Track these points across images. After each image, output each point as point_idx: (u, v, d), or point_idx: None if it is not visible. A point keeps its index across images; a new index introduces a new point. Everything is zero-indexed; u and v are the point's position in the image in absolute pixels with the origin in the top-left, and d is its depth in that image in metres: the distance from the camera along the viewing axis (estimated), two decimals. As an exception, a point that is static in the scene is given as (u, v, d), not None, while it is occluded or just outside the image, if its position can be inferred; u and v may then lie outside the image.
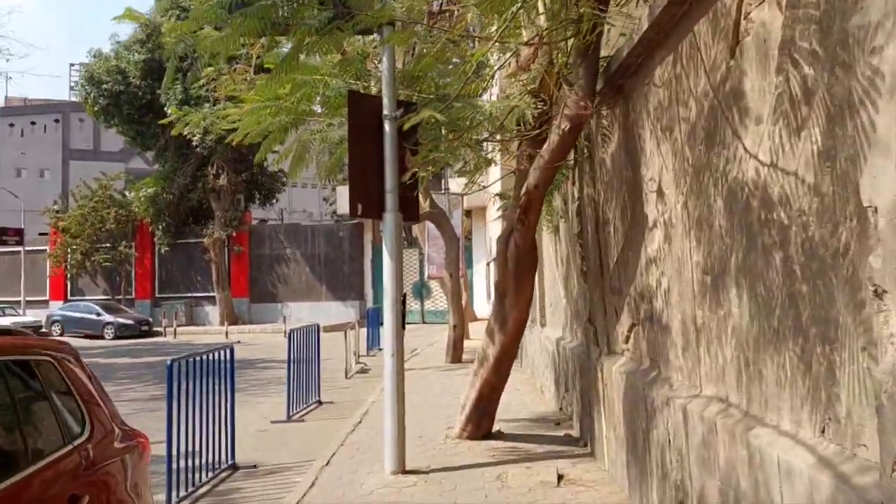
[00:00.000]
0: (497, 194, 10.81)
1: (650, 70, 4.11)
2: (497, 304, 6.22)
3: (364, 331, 18.70)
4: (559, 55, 4.79)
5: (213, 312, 29.59)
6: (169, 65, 6.27)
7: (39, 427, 2.97)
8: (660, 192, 4.06)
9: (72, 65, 27.88)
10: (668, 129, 3.86)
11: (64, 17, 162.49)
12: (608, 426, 5.36)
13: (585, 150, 5.63)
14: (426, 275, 17.11)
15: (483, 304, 26.34)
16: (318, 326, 11.23)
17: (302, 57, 5.70)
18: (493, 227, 19.83)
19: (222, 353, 7.45)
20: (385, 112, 5.81)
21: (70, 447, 3.05)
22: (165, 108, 27.78)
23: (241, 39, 5.55)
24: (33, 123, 61.87)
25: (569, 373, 7.29)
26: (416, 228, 24.33)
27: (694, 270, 3.59)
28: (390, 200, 5.86)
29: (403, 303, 5.94)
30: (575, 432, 6.85)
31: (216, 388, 7.30)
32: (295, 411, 9.96)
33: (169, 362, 6.37)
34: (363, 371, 14.96)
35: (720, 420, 3.14)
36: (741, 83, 2.97)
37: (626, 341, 4.97)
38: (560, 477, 5.39)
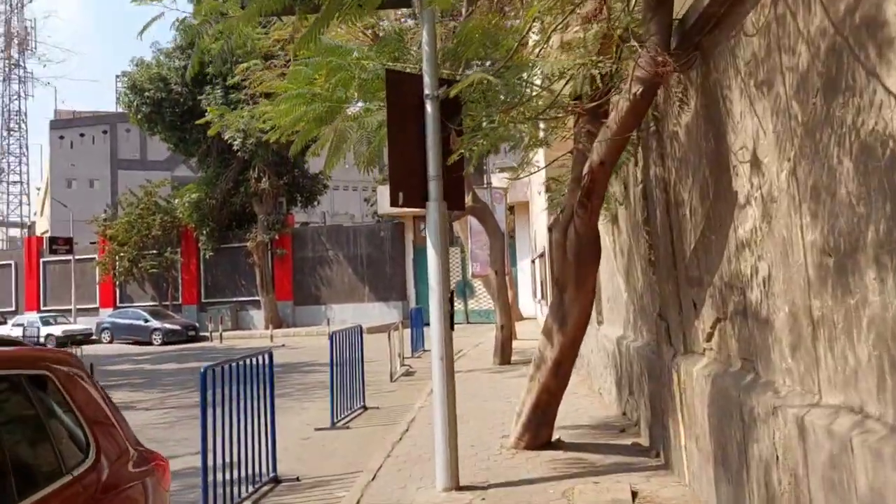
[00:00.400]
0: (549, 179, 10.16)
1: (739, 17, 3.47)
2: (556, 300, 5.62)
3: (408, 332, 18.25)
4: (624, 14, 4.17)
5: (258, 316, 29.57)
6: (195, 51, 5.85)
7: (28, 457, 2.50)
8: (754, 163, 3.42)
9: (117, 76, 27.87)
10: (767, 85, 3.23)
11: (102, 20, 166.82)
12: (688, 436, 4.72)
13: (652, 124, 5.00)
14: (469, 273, 16.55)
15: (529, 302, 25.70)
16: (361, 328, 10.77)
17: (329, 36, 5.23)
18: (539, 222, 19.16)
19: (260, 358, 7.01)
20: (426, 91, 5.27)
21: (69, 478, 2.58)
22: (207, 114, 27.87)
23: (265, 21, 5.09)
24: (82, 135, 63.33)
25: (633, 375, 6.64)
26: (457, 225, 23.77)
27: (808, 252, 2.95)
28: (434, 188, 5.32)
29: (451, 301, 5.41)
30: (644, 441, 6.20)
31: (256, 395, 6.89)
32: (339, 418, 9.51)
33: (202, 369, 5.95)
34: (408, 374, 14.48)
35: (858, 436, 2.50)
36: (880, 9, 2.33)
37: (709, 339, 4.33)
38: (634, 494, 4.77)
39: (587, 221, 4.88)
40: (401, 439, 7.60)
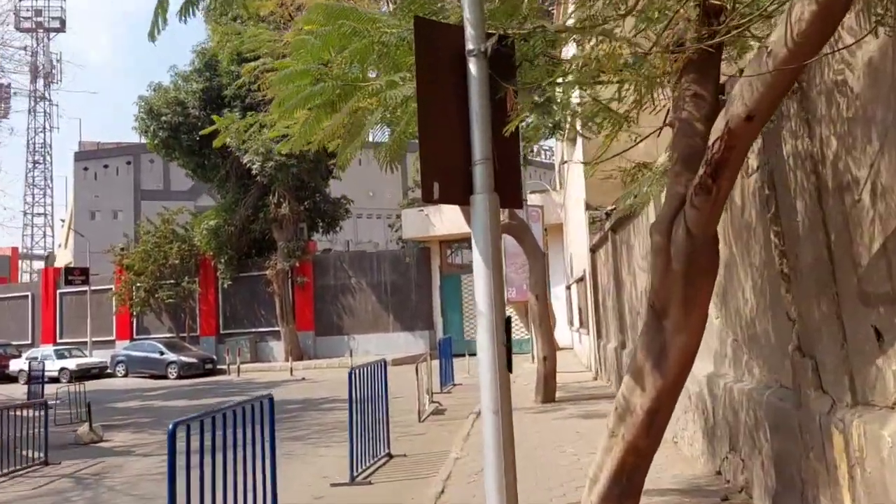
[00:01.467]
0: (632, 165, 8.69)
1: None
2: (650, 327, 4.08)
3: (436, 363, 16.74)
4: None
5: (277, 347, 28.25)
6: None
7: None
8: None
9: (134, 102, 27.18)
10: None
11: (136, 63, 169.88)
12: (866, 529, 3.16)
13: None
14: (505, 298, 15.22)
15: (564, 331, 23.97)
16: (385, 363, 9.31)
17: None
18: (576, 243, 17.58)
19: (256, 406, 5.59)
20: (469, 46, 3.85)
21: None
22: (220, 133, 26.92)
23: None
24: (106, 167, 63.41)
25: (740, 426, 5.07)
26: None
27: None
28: (481, 175, 3.84)
29: (508, 330, 3.94)
30: (763, 517, 4.62)
31: (255, 443, 5.48)
32: (360, 470, 8.00)
33: (171, 426, 4.53)
34: (438, 412, 12.94)
35: None
36: None
37: (913, 387, 2.80)
38: None
39: (708, 214, 3.35)
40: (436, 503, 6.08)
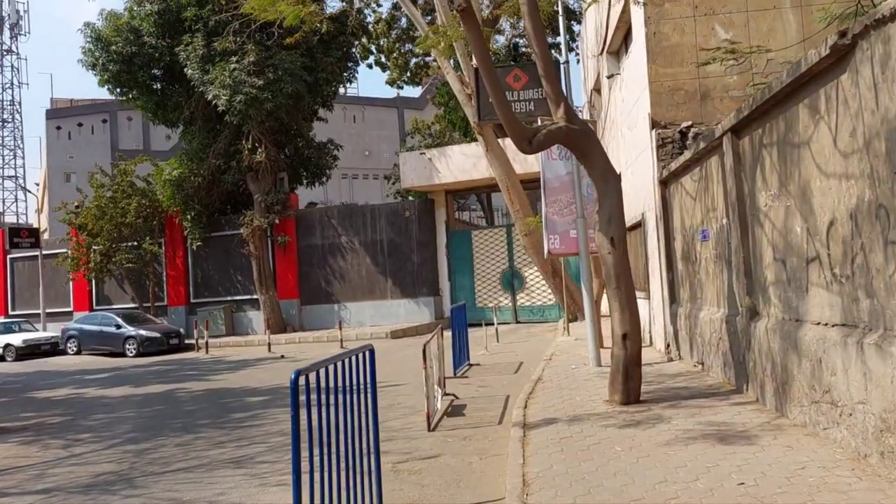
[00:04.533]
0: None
1: None
2: None
3: (449, 338, 12.75)
4: None
5: (257, 318, 24.24)
6: None
7: None
8: None
9: (79, 29, 22.73)
10: None
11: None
12: None
13: None
14: (546, 252, 10.82)
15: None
16: (371, 353, 5.19)
17: None
18: (629, 177, 13.18)
19: None
20: None
21: None
22: (186, 69, 22.63)
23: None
24: (80, 125, 58.75)
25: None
26: (505, 185, 17.84)
27: None
28: None
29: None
30: None
31: None
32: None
33: None
34: (454, 412, 8.96)
35: None
36: None
37: None
38: None
39: None
40: None
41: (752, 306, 6.88)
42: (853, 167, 4.68)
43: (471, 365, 13.32)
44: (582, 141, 7.50)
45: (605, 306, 17.41)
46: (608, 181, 7.42)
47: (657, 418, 6.53)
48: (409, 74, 34.82)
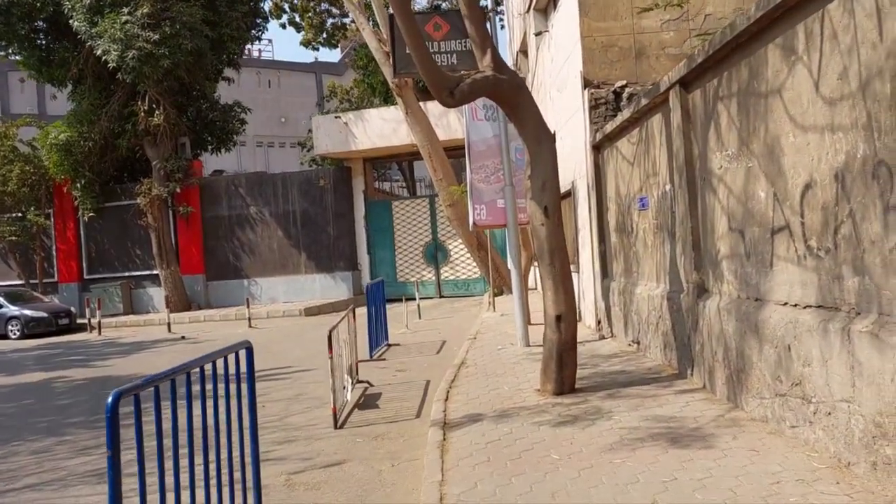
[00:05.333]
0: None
1: None
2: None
3: (364, 317, 11.67)
4: None
5: (158, 295, 22.36)
6: None
7: None
8: None
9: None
10: None
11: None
12: None
13: None
14: (471, 223, 9.76)
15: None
16: (248, 350, 4.05)
17: None
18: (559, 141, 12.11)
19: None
20: None
21: None
22: (72, 21, 20.27)
23: None
24: (-37, 86, 53.59)
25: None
26: (427, 151, 16.68)
27: None
28: None
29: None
30: None
31: None
32: None
33: None
34: (366, 403, 7.93)
35: None
36: None
37: None
38: None
39: None
40: None
41: (700, 283, 6.09)
42: (842, 117, 3.83)
43: (389, 345, 12.30)
44: (511, 94, 6.47)
45: (532, 280, 16.76)
46: (541, 142, 6.44)
47: (596, 412, 5.68)
48: (325, 35, 33.00)
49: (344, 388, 7.78)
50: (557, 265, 6.31)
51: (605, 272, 9.84)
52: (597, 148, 9.85)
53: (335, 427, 6.87)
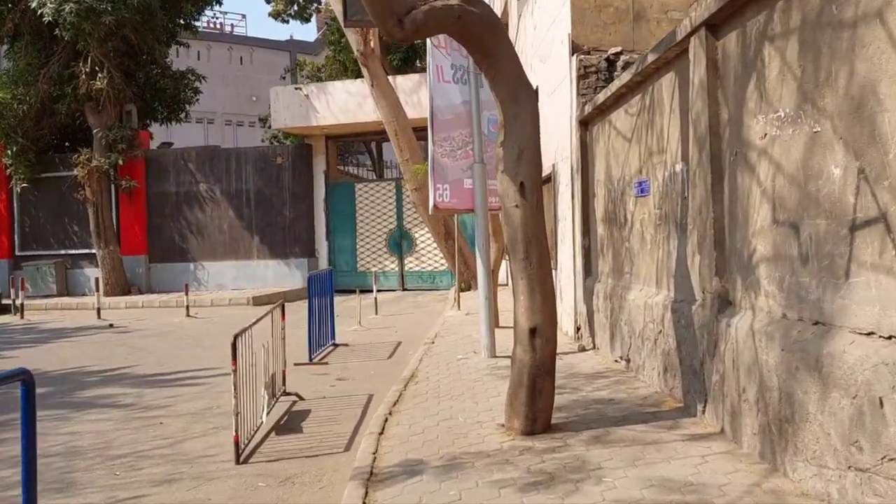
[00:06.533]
0: None
1: None
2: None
3: (295, 315, 10.04)
4: None
5: (96, 276, 20.37)
6: None
7: None
8: None
9: None
10: None
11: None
12: None
13: None
14: (431, 206, 8.04)
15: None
16: (24, 384, 2.39)
17: None
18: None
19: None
20: None
21: None
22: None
23: None
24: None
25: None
26: (393, 128, 14.84)
27: None
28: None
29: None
30: None
31: None
32: None
33: None
34: (288, 423, 6.31)
35: None
36: None
37: None
38: None
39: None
40: None
41: (723, 292, 4.56)
42: None
43: (336, 345, 10.68)
44: (483, 33, 4.85)
45: (503, 275, 15.22)
46: (519, 99, 4.84)
47: (580, 467, 4.11)
48: (296, 8, 31.17)
49: (262, 406, 6.15)
50: (534, 261, 4.72)
51: (589, 270, 8.30)
52: (584, 123, 8.29)
53: (237, 462, 5.24)
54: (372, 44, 15.56)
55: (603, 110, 7.49)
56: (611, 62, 8.60)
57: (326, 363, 9.42)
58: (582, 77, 8.47)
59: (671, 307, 5.41)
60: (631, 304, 6.44)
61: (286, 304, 8.20)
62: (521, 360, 4.72)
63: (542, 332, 4.67)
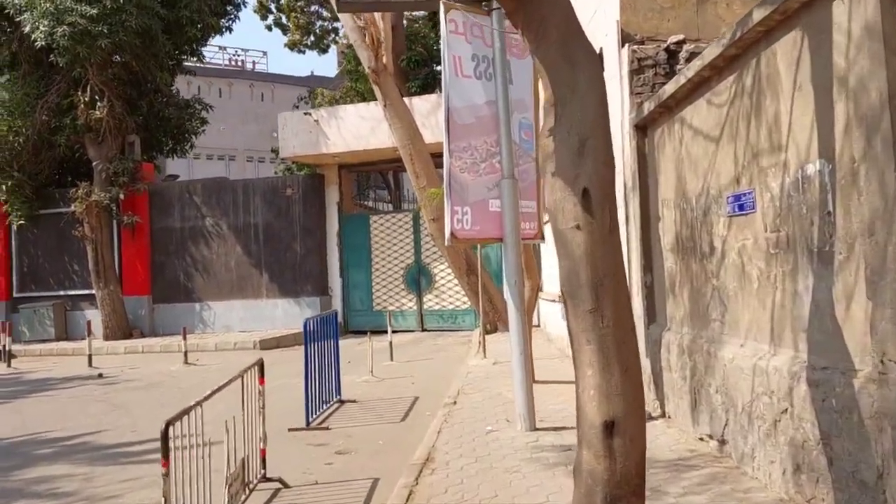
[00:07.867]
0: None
1: None
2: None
3: (285, 368, 8.32)
4: None
5: (97, 318, 18.94)
6: None
7: None
8: None
9: None
10: None
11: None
12: None
13: None
14: (447, 235, 6.30)
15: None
16: None
17: None
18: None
19: None
20: None
21: None
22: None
23: None
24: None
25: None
26: (407, 151, 13.12)
27: None
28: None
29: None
30: None
31: None
32: None
33: None
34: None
35: None
36: None
37: None
38: None
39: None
40: None
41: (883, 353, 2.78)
42: None
43: (342, 402, 8.96)
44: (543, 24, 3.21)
45: (535, 317, 13.35)
46: (577, 61, 3.18)
47: None
48: (313, 38, 30.32)
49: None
50: (608, 313, 2.99)
51: (653, 316, 6.53)
52: (641, 128, 6.60)
53: None
54: (384, 59, 14.11)
55: (670, 107, 5.80)
56: (671, 53, 6.94)
57: (327, 428, 7.72)
58: (635, 72, 6.83)
59: (805, 377, 3.63)
60: (727, 364, 4.66)
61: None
62: (592, 472, 2.96)
63: (623, 429, 2.92)
